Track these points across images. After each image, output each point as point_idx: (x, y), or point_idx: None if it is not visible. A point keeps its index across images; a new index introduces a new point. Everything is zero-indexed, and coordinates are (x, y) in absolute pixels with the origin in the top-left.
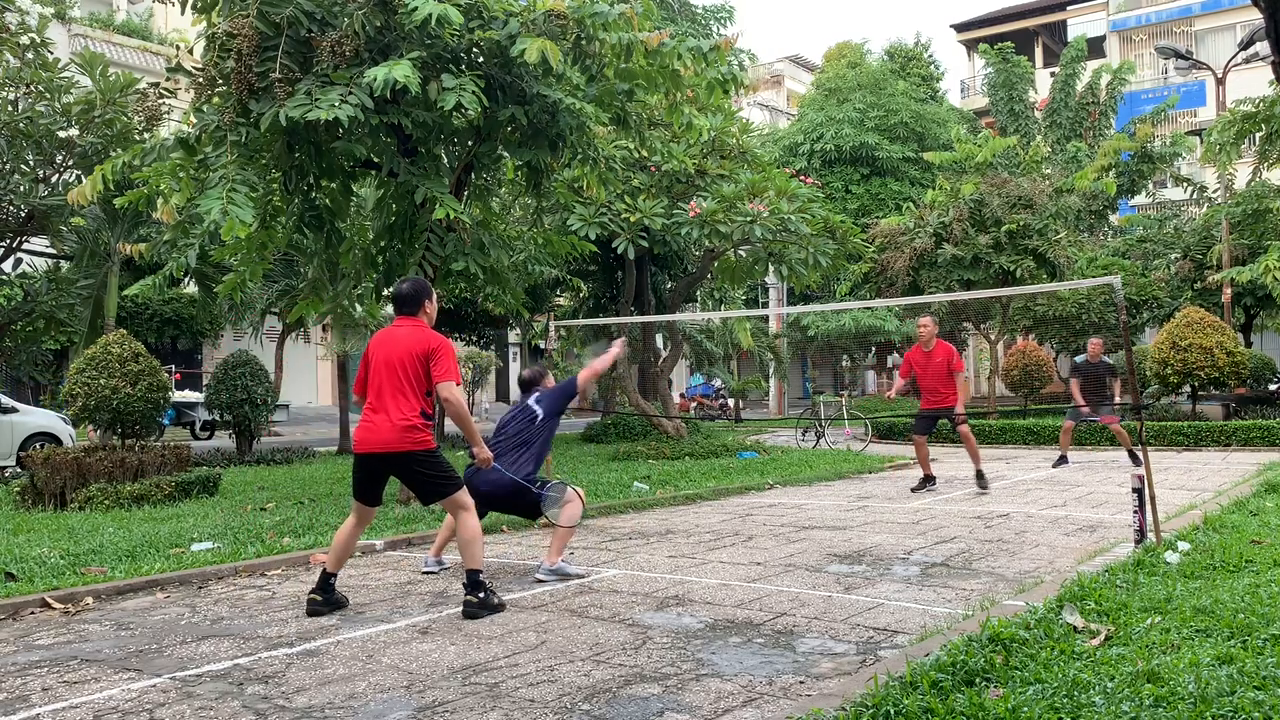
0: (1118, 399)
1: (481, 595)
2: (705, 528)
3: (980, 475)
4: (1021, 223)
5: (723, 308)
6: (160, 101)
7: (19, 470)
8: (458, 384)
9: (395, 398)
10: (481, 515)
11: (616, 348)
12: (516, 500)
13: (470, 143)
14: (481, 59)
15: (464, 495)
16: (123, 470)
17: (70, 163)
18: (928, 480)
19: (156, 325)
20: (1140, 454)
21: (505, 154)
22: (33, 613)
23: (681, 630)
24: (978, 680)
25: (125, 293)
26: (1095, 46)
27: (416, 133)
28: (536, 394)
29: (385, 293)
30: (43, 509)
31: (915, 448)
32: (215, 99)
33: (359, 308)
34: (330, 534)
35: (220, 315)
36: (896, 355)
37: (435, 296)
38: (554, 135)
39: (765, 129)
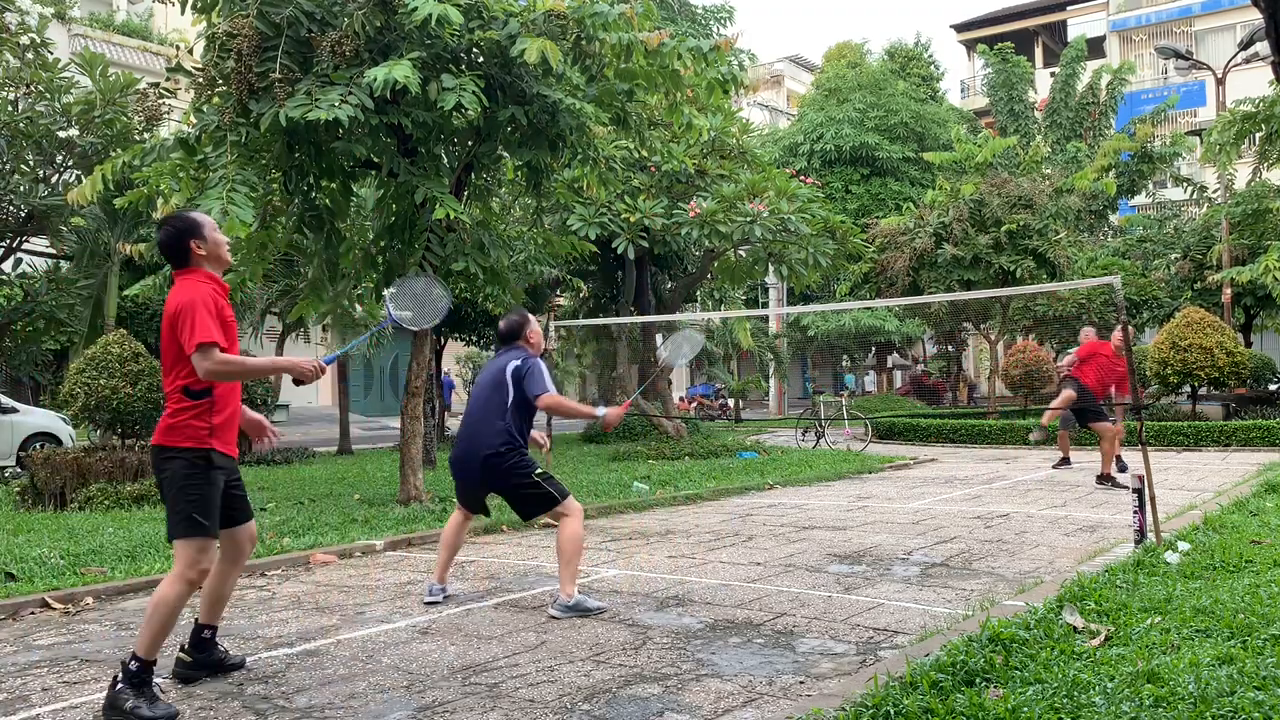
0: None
1: None
2: (705, 528)
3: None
4: (1021, 223)
5: (723, 308)
6: (160, 101)
7: (19, 470)
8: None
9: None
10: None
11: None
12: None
13: (470, 143)
14: (481, 59)
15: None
16: (123, 470)
17: (70, 163)
18: (1064, 461)
19: (156, 325)
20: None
21: (505, 154)
22: (33, 613)
23: (681, 630)
24: (978, 680)
25: (125, 293)
26: (1095, 46)
27: (416, 133)
28: (516, 356)
29: (385, 293)
30: (43, 509)
31: (1063, 439)
32: (215, 99)
33: (359, 308)
34: (330, 534)
35: None
36: (897, 355)
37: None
38: (554, 135)
39: (765, 129)
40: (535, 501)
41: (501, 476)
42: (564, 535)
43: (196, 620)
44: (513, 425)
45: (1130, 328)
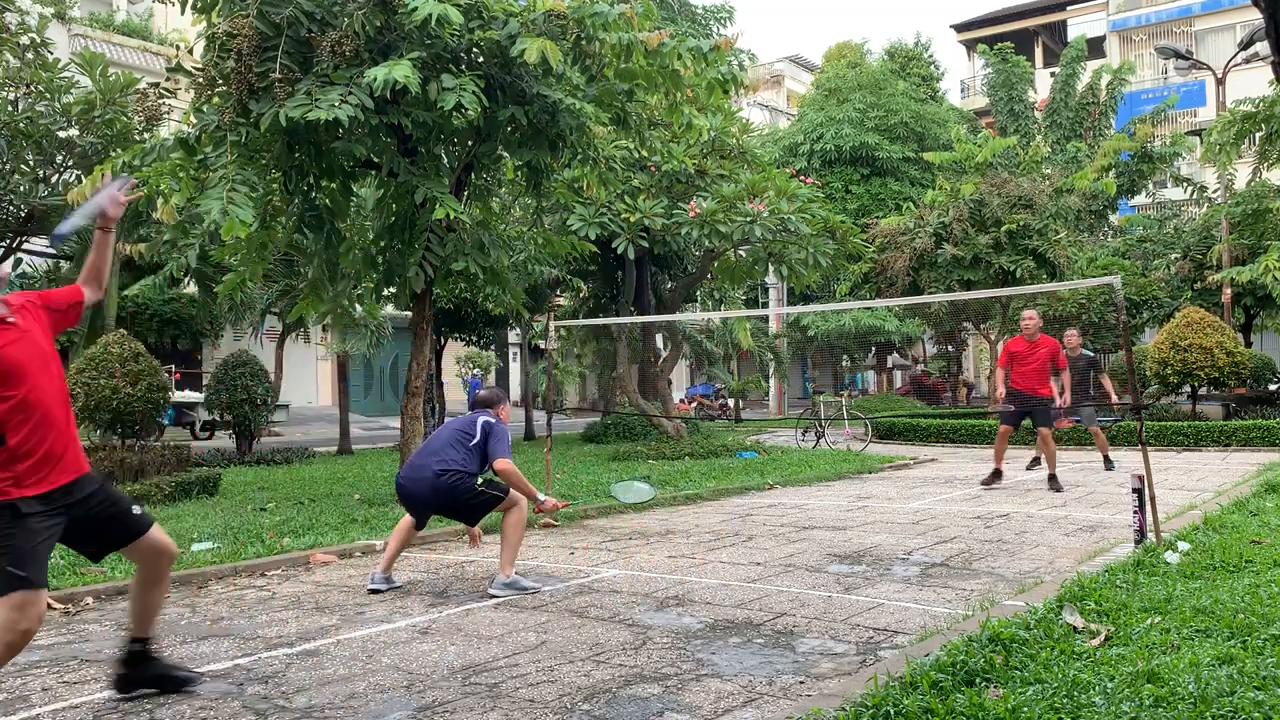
0: (1113, 396)
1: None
2: (705, 528)
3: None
4: (1021, 223)
5: (723, 308)
6: (160, 101)
7: None
8: None
9: None
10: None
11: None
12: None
13: (470, 143)
14: (481, 59)
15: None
16: (123, 470)
17: (70, 163)
18: (996, 475)
19: (156, 325)
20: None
21: (505, 154)
22: None
23: (681, 630)
24: (978, 680)
25: (125, 293)
26: (1095, 46)
27: (416, 133)
28: (490, 416)
29: (385, 293)
30: None
31: (999, 439)
32: (215, 99)
33: (359, 308)
34: (330, 534)
35: (220, 315)
36: (897, 355)
37: None
38: (554, 135)
39: (765, 129)
40: (481, 508)
41: (447, 492)
42: (509, 522)
43: (129, 633)
44: (469, 460)
45: (1051, 325)
